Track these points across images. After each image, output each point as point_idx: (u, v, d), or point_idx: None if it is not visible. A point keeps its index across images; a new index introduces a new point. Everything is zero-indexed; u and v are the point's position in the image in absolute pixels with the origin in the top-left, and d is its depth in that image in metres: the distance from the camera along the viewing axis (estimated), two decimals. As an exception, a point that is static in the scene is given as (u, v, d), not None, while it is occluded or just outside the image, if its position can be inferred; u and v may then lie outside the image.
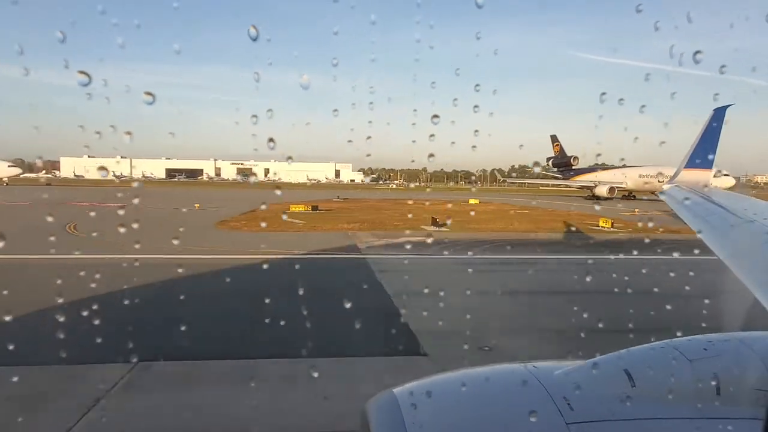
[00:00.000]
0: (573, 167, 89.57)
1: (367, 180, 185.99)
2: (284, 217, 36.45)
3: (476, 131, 3.49)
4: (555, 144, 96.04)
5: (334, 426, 6.83)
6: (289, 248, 21.87)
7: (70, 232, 26.48)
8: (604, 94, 3.22)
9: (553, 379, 2.26)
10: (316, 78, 3.32)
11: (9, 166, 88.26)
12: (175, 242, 23.56)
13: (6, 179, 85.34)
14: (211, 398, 7.72)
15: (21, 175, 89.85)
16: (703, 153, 10.40)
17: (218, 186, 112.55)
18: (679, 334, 2.78)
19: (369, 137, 3.66)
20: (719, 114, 10.43)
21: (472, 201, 59.14)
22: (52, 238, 22.60)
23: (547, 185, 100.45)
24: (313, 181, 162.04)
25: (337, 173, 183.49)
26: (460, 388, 2.35)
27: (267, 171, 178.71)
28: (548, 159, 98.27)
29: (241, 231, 28.76)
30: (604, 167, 79.95)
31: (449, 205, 52.25)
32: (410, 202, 49.10)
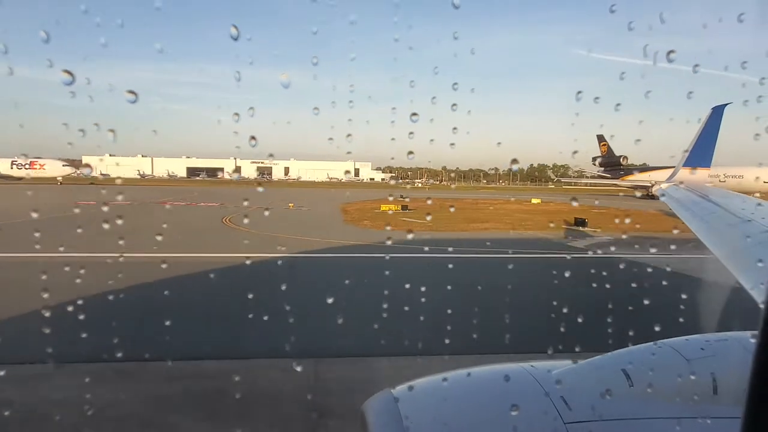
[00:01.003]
0: (623, 167, 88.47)
1: (387, 178, 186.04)
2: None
3: (455, 128, 3.53)
4: (602, 144, 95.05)
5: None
6: (484, 246, 21.49)
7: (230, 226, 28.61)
8: (579, 92, 3.23)
9: (552, 379, 2.28)
10: (296, 76, 3.39)
11: (63, 165, 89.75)
12: (351, 240, 24.48)
13: (60, 178, 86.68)
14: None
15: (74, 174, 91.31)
16: (701, 151, 10.35)
17: (251, 184, 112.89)
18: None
19: (349, 135, 3.70)
20: (717, 113, 10.41)
21: (534, 201, 58.49)
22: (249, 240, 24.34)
23: (570, 184, 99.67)
24: (333, 180, 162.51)
25: (357, 172, 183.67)
26: (457, 388, 2.36)
27: (287, 169, 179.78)
28: (594, 159, 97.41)
29: (383, 230, 29.39)
30: (653, 168, 79.08)
31: (525, 204, 51.97)
32: (471, 200, 49.45)
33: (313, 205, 45.30)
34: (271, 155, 3.44)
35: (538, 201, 57.85)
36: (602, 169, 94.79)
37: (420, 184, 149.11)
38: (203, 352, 9.72)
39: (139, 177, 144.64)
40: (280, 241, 23.46)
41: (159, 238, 21.40)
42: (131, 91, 2.84)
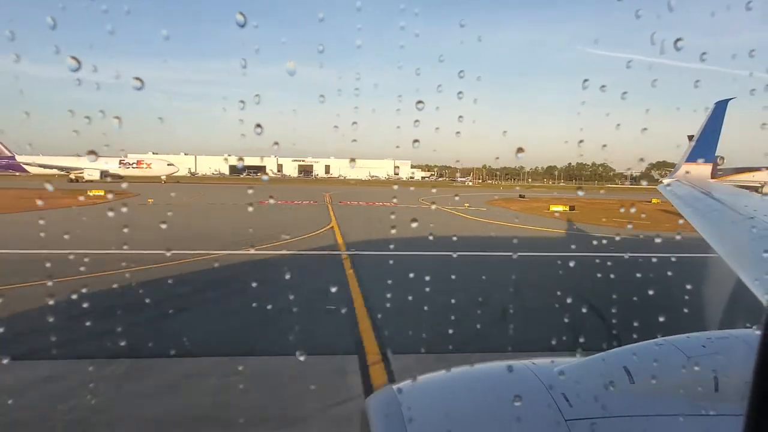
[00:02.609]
0: (720, 167, 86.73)
1: (427, 176, 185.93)
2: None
3: (460, 117, 3.49)
4: None
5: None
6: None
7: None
8: (586, 80, 3.14)
9: (552, 376, 2.27)
10: (302, 65, 3.41)
11: (168, 164, 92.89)
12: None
13: (164, 177, 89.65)
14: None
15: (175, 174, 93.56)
16: (704, 147, 10.30)
17: (307, 183, 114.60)
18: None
19: (354, 123, 3.71)
20: (720, 108, 10.31)
21: (654, 201, 57.62)
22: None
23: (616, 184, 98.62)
24: (374, 178, 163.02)
25: (396, 170, 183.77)
26: (459, 385, 2.38)
27: (328, 168, 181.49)
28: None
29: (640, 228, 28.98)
30: (752, 169, 77.75)
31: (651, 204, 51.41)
32: (589, 200, 49.17)
33: (474, 204, 45.86)
34: (276, 143, 3.46)
35: (658, 201, 56.74)
36: None
37: (471, 183, 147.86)
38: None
39: (189, 175, 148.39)
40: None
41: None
42: (137, 78, 2.86)
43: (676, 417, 2.09)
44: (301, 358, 8.97)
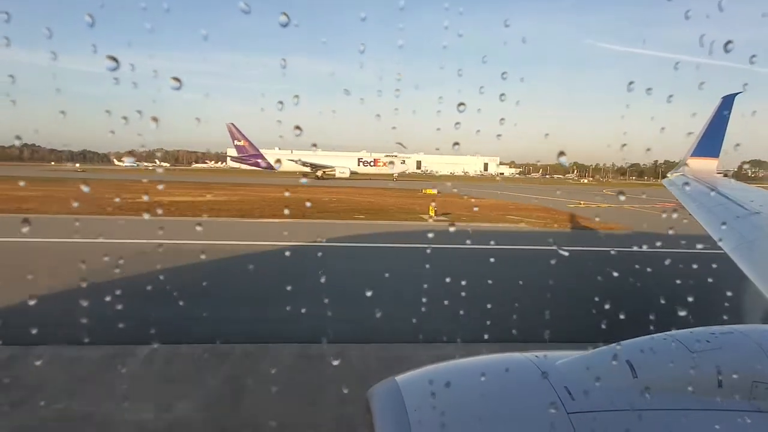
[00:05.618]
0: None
1: (515, 173, 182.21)
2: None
3: (502, 119, 3.36)
4: None
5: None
6: None
7: None
8: (631, 83, 2.95)
9: (555, 369, 2.28)
10: (342, 64, 3.39)
11: (401, 162, 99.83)
12: None
13: (396, 175, 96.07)
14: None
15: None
16: (710, 142, 10.05)
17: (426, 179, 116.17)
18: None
19: (394, 127, 3.66)
20: (727, 102, 9.94)
21: None
22: None
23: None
24: (465, 174, 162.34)
25: (485, 166, 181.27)
26: (462, 376, 2.39)
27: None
28: None
29: None
30: None
31: None
32: None
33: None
34: (314, 145, 3.50)
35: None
36: None
37: (586, 180, 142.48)
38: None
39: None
40: None
41: None
42: (176, 78, 2.91)
43: (679, 411, 2.10)
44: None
